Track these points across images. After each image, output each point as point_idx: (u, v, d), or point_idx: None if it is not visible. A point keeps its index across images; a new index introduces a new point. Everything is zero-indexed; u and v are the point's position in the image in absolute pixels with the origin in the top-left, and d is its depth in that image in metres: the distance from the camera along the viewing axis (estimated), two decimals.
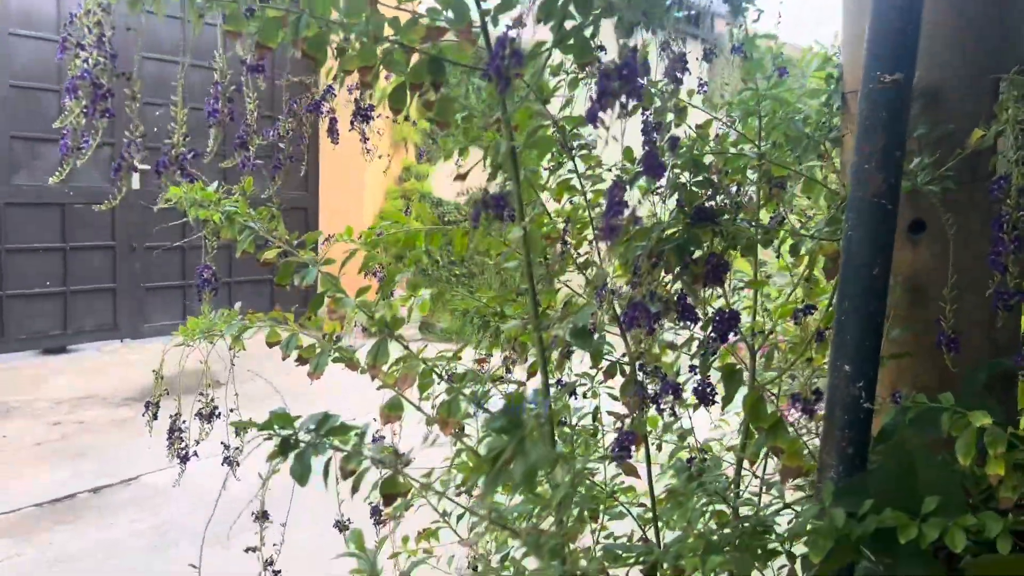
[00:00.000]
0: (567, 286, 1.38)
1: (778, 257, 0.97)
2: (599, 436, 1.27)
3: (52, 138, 5.66)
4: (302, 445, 0.65)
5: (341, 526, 1.24)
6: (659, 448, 1.53)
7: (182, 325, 1.25)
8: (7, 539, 3.29)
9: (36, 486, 3.80)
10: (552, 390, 0.99)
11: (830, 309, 1.13)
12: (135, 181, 6.09)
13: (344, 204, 7.16)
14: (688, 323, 0.85)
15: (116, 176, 0.79)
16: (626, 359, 1.35)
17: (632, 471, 1.20)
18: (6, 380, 5.23)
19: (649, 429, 1.40)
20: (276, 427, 0.65)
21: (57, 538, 3.32)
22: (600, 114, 0.65)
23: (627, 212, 0.58)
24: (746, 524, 0.91)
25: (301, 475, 0.62)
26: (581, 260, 1.34)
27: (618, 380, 1.30)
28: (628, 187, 0.62)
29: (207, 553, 3.26)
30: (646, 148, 0.68)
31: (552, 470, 0.52)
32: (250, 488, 4.06)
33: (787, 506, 0.98)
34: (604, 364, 1.37)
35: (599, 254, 1.36)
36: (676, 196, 0.91)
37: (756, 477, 1.40)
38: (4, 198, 5.44)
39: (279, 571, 0.88)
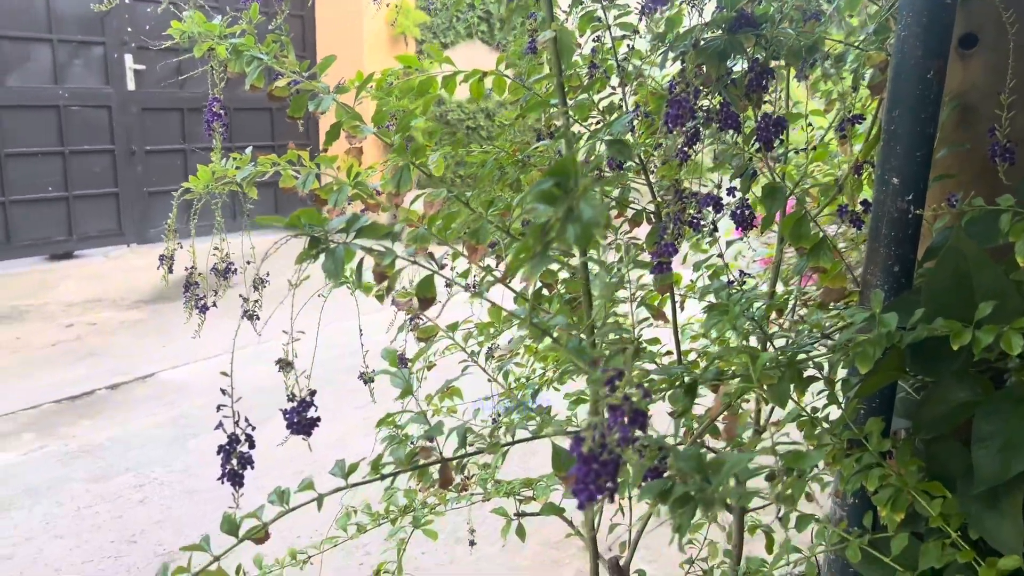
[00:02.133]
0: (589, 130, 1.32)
1: (823, 66, 0.91)
2: (625, 282, 1.24)
3: (44, 38, 5.49)
4: (332, 244, 0.61)
5: (366, 378, 1.22)
6: (683, 308, 1.51)
7: (193, 176, 1.20)
8: (31, 433, 3.34)
9: (54, 383, 3.84)
10: None
11: (868, 141, 1.08)
12: (130, 82, 5.94)
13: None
14: (731, 131, 0.81)
15: None
16: (651, 207, 1.31)
17: (661, 316, 1.18)
18: (16, 285, 5.24)
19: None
20: (305, 225, 0.61)
21: (79, 431, 3.37)
22: None
23: None
24: (782, 355, 0.89)
25: (334, 271, 0.59)
26: (604, 104, 1.28)
27: (644, 230, 1.27)
28: None
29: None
30: None
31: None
32: (266, 383, 4.07)
33: (825, 336, 0.95)
34: (629, 213, 1.33)
35: (624, 97, 1.30)
36: (715, 3, 0.85)
37: (781, 328, 1.37)
38: None
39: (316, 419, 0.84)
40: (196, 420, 3.50)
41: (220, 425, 0.67)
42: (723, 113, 0.79)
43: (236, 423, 0.64)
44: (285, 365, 0.99)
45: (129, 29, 5.88)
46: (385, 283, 0.67)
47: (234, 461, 0.65)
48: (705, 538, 1.33)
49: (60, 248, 5.73)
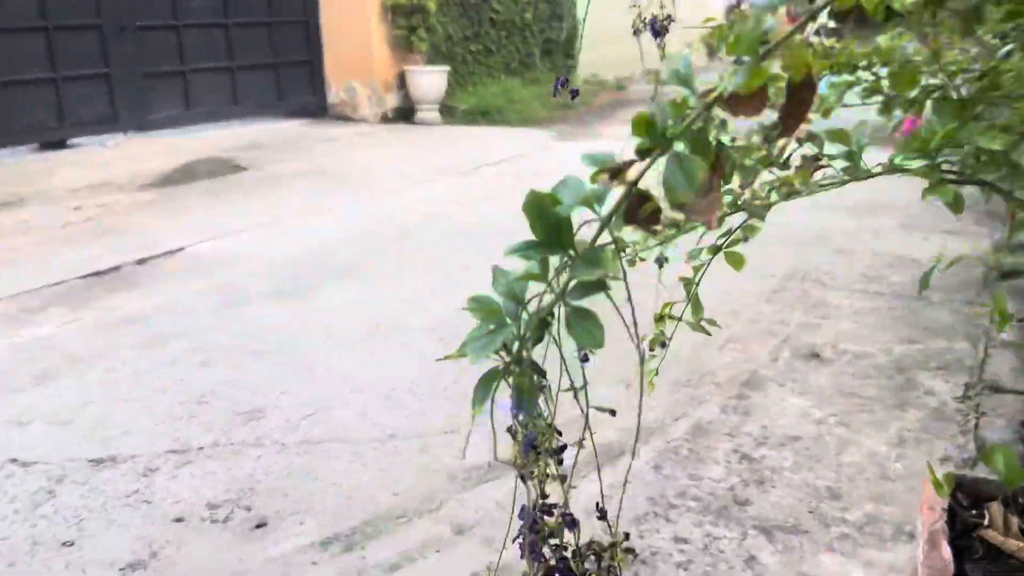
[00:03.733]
0: None
1: None
2: None
3: None
4: None
5: None
6: None
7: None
8: (60, 307, 2.98)
9: (75, 261, 3.46)
10: None
11: None
12: None
13: None
14: None
15: None
16: None
17: None
18: (10, 174, 4.78)
19: None
20: None
21: (115, 303, 3.01)
22: None
23: None
24: None
25: None
26: None
27: None
28: None
29: (286, 308, 2.98)
30: None
31: None
32: (304, 255, 3.69)
33: None
34: None
35: None
36: None
37: None
38: None
39: None
40: (243, 288, 3.15)
41: None
42: None
43: None
44: None
45: None
46: None
47: None
48: None
49: (53, 135, 5.25)
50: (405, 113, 6.74)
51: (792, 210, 3.70)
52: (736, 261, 0.92)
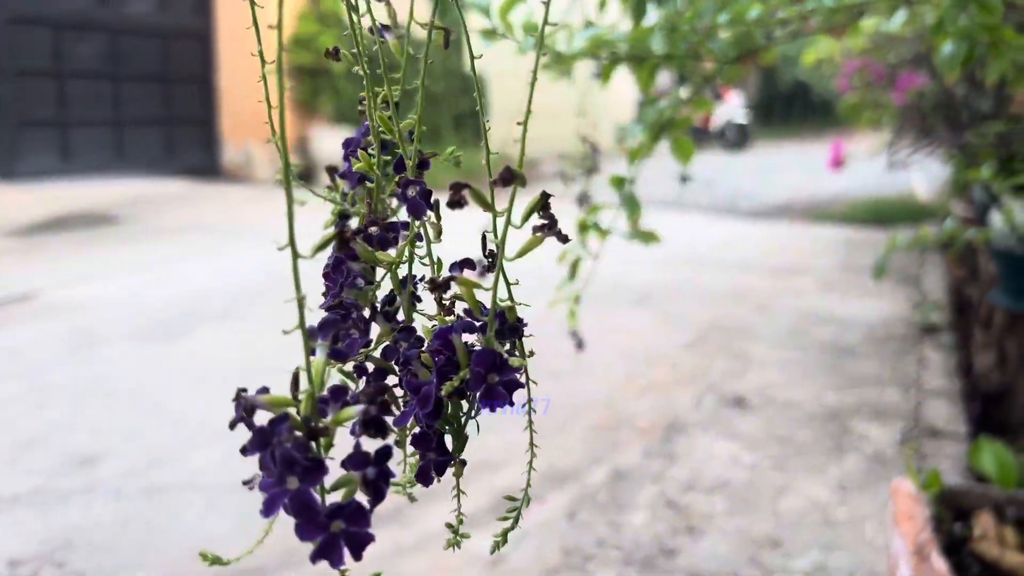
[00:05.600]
0: None
1: None
2: None
3: None
4: None
5: None
6: None
7: None
8: None
9: None
10: None
11: None
12: None
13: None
14: None
15: None
16: None
17: None
18: None
19: None
20: None
21: None
22: None
23: None
24: None
25: None
26: None
27: None
28: None
29: (149, 350, 2.61)
30: None
31: None
32: (180, 303, 3.32)
33: None
34: None
35: None
36: None
37: None
38: None
39: None
40: (101, 332, 2.76)
41: None
42: None
43: None
44: None
45: None
46: None
47: None
48: None
49: None
50: (307, 176, 6.46)
51: (710, 269, 3.54)
52: None
